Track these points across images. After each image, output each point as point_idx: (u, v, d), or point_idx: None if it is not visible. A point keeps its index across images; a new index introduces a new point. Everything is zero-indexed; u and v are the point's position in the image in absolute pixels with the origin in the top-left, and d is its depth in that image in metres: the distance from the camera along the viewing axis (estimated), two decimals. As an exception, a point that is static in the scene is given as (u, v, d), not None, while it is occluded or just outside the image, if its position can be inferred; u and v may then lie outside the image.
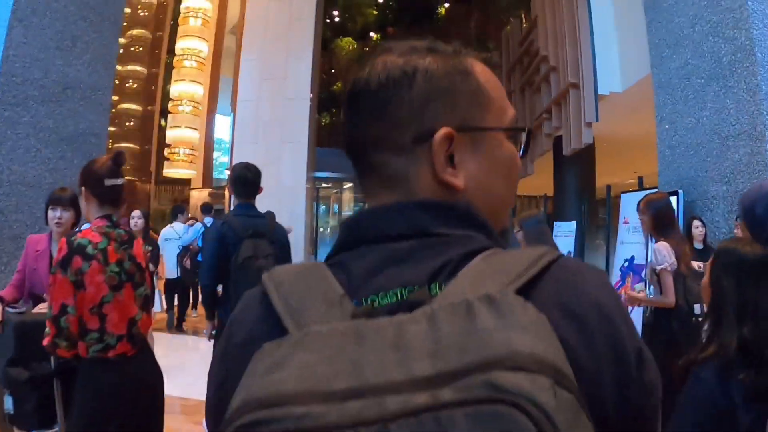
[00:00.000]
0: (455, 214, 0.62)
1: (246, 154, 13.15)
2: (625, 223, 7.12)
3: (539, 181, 13.91)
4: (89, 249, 2.23)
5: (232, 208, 4.01)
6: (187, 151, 17.27)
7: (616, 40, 8.95)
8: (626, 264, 6.92)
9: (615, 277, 6.97)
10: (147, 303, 2.45)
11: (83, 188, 2.40)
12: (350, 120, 0.68)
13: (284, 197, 12.50)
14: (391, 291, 0.56)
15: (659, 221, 3.46)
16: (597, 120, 8.90)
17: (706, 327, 1.89)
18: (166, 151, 17.31)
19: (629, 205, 7.07)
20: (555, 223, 10.28)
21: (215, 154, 24.18)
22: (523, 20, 15.17)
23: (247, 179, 3.71)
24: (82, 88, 7.48)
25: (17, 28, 6.40)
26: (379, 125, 0.65)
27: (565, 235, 9.56)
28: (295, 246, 12.05)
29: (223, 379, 0.62)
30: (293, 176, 12.93)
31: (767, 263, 1.77)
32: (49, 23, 6.87)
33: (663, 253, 3.32)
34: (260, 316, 0.60)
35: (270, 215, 3.97)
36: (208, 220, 9.10)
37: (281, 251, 3.60)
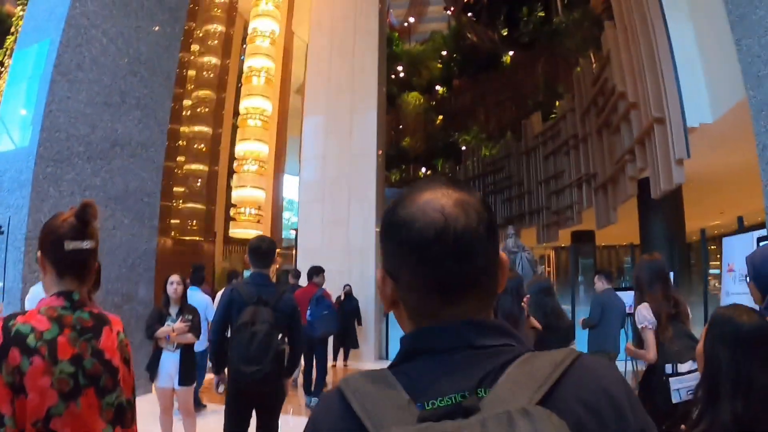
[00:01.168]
0: (496, 330, 0.80)
1: (312, 214, 12.87)
2: (730, 270, 6.17)
3: (623, 229, 12.93)
4: (30, 340, 1.60)
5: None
6: (253, 211, 17.31)
7: (701, 67, 8.14)
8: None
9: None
10: (122, 414, 1.78)
11: (39, 253, 1.80)
12: (441, 260, 0.78)
13: (353, 258, 12.01)
14: (447, 396, 0.71)
15: (640, 283, 3.80)
16: (688, 156, 8.03)
17: (699, 394, 1.83)
18: (231, 211, 17.41)
19: (733, 251, 6.15)
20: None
21: (287, 215, 24.28)
22: (593, 60, 14.53)
23: (261, 250, 4.06)
24: (132, 145, 7.35)
25: (60, 83, 6.31)
26: (473, 260, 0.79)
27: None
28: (367, 311, 11.55)
29: None
30: (362, 235, 12.34)
31: (764, 334, 1.70)
32: (96, 78, 6.80)
33: (642, 313, 3.67)
34: (341, 415, 0.74)
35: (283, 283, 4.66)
36: None
37: (284, 319, 3.90)
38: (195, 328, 4.83)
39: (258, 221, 17.41)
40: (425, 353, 0.78)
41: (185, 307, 4.91)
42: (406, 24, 46.76)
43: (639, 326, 3.72)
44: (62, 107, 6.56)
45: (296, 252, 12.34)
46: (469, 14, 32.13)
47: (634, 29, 9.82)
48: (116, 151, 7.13)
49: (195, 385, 5.32)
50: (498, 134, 25.92)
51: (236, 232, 17.05)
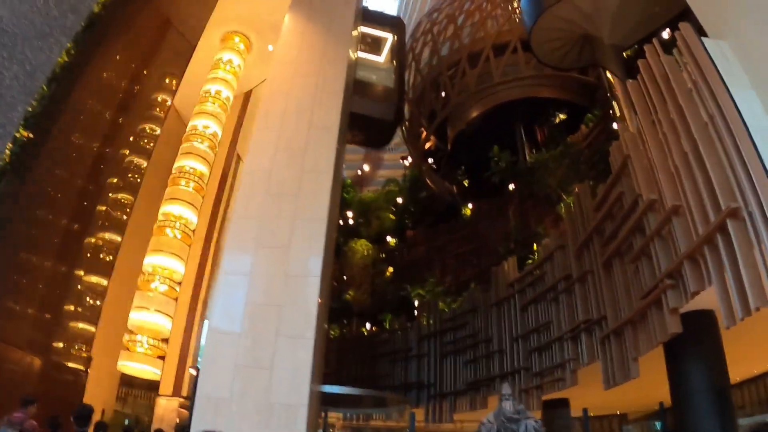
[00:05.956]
0: None
1: (224, 352, 9.51)
2: None
3: (643, 387, 10.43)
4: None
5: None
6: (153, 342, 13.88)
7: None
8: None
9: None
10: None
11: None
12: None
13: (274, 419, 8.83)
14: None
15: None
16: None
17: None
18: (125, 338, 13.95)
19: None
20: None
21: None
22: (590, 185, 12.90)
23: (82, 415, 5.89)
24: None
25: None
26: None
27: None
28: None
29: None
30: (290, 387, 9.23)
31: None
32: None
33: None
34: None
35: None
36: None
37: None
38: None
39: (158, 357, 13.90)
40: None
41: None
42: (360, 173, 46.43)
43: None
44: None
45: (192, 404, 8.96)
46: (430, 160, 31.44)
47: (672, 116, 8.16)
48: None
49: None
50: (456, 290, 23.84)
51: (125, 365, 13.46)
